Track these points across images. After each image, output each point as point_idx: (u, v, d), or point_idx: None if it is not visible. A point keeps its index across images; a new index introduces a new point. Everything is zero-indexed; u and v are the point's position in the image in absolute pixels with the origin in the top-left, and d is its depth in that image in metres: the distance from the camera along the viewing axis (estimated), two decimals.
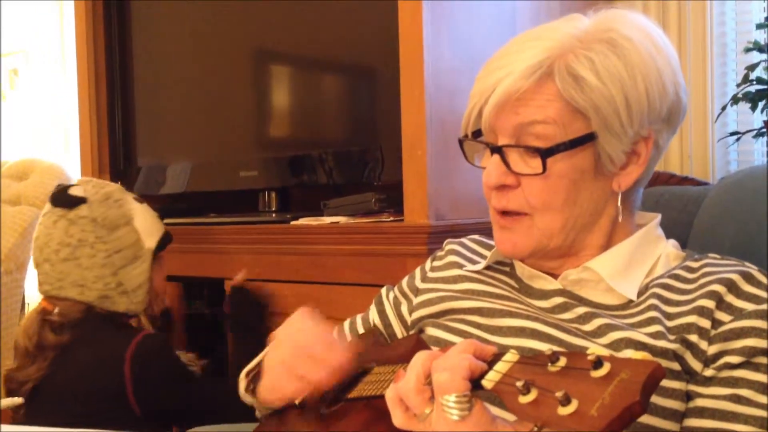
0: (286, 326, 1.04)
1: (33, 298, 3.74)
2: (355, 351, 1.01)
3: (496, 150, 1.00)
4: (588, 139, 0.97)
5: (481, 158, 1.07)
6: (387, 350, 1.07)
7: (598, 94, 0.96)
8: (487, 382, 0.74)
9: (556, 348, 0.75)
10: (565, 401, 0.64)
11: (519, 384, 0.69)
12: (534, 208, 1.01)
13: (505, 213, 1.03)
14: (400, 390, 0.80)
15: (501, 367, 0.75)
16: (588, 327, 0.97)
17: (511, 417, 0.88)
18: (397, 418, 0.81)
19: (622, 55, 0.97)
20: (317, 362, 0.98)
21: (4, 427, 0.97)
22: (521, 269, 1.08)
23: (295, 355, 1.00)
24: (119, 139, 2.61)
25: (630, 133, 0.98)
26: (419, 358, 0.80)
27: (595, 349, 0.69)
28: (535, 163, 0.98)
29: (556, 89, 0.97)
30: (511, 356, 0.75)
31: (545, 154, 0.97)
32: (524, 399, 0.68)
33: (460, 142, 1.07)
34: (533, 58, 0.97)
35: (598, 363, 0.66)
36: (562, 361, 0.69)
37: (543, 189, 0.99)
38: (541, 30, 1.02)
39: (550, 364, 0.70)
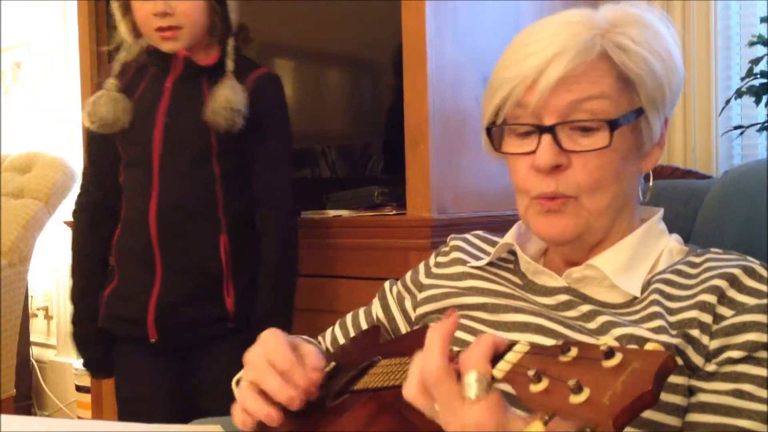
0: (252, 349, 1.01)
1: (36, 290, 3.76)
2: (321, 370, 0.99)
3: (547, 130, 0.98)
4: (641, 113, 1.00)
5: (506, 145, 1.04)
6: (393, 344, 1.07)
7: (647, 66, 0.98)
8: (498, 371, 0.74)
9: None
10: (577, 390, 0.64)
11: (530, 373, 0.68)
12: (583, 190, 0.99)
13: (551, 197, 1.01)
14: (406, 393, 0.79)
15: (512, 357, 0.74)
16: (592, 325, 0.97)
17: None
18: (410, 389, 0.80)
19: (653, 34, 1.00)
20: (283, 381, 0.96)
21: (5, 417, 0.97)
22: (526, 264, 1.08)
23: (247, 388, 0.98)
24: None
25: (666, 109, 1.02)
26: (417, 361, 0.79)
27: (606, 339, 0.69)
28: (587, 142, 0.98)
29: (608, 64, 0.98)
30: (521, 347, 0.75)
31: (613, 125, 0.97)
32: (535, 388, 0.68)
33: (488, 131, 1.05)
34: (580, 34, 0.97)
35: (609, 353, 0.66)
36: (574, 352, 0.69)
37: (599, 166, 0.98)
38: (568, 15, 1.02)
39: (561, 354, 0.70)
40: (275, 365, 0.97)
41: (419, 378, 0.78)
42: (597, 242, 1.04)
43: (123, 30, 1.80)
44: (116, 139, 1.78)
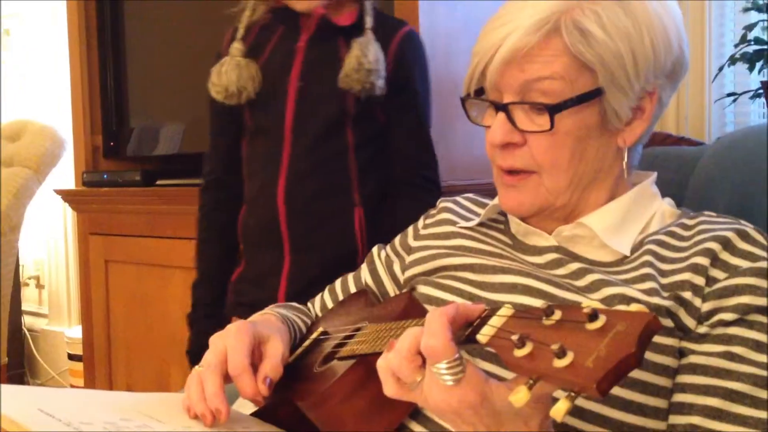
0: (221, 338, 1.00)
1: (27, 259, 3.75)
2: (275, 377, 0.98)
3: (502, 108, 0.99)
4: (595, 94, 0.97)
5: (483, 117, 1.05)
6: (379, 308, 1.07)
7: (606, 48, 0.95)
8: (482, 336, 0.74)
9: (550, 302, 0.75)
10: (561, 354, 0.64)
11: (514, 338, 0.68)
12: (541, 166, 1.00)
13: (510, 172, 1.02)
14: (390, 360, 0.79)
15: (496, 321, 0.74)
16: (581, 282, 0.97)
17: (504, 372, 0.88)
18: (389, 389, 0.80)
19: (629, 10, 0.97)
20: (219, 389, 0.95)
21: (4, 387, 0.97)
22: (516, 226, 1.08)
23: (208, 373, 0.97)
24: (111, 99, 2.59)
25: (636, 88, 0.98)
26: (411, 330, 0.79)
27: (590, 302, 0.69)
28: (542, 120, 0.97)
29: (563, 44, 0.96)
30: (505, 311, 0.75)
31: (553, 110, 0.96)
32: (519, 352, 0.68)
33: (462, 101, 1.06)
34: (540, 13, 0.96)
35: (593, 316, 0.66)
36: (557, 315, 0.69)
37: (550, 146, 0.99)
38: None
39: (545, 317, 0.70)
40: (228, 367, 0.97)
41: (393, 377, 0.80)
42: (569, 214, 1.04)
43: None
44: (243, 107, 1.63)
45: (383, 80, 1.55)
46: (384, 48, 1.57)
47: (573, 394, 0.64)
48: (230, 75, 1.60)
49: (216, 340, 1.00)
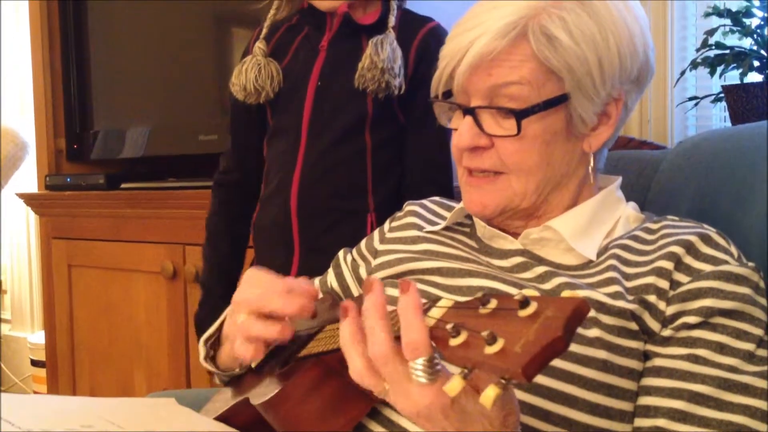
0: (240, 289, 1.02)
1: None
2: (313, 295, 0.99)
3: (469, 111, 1.00)
4: (561, 100, 0.98)
5: (451, 119, 1.06)
6: (339, 310, 1.07)
7: (572, 54, 0.96)
8: None
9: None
10: (491, 340, 0.65)
11: (449, 327, 0.69)
12: (509, 168, 1.00)
13: (477, 172, 1.03)
14: (353, 376, 0.79)
15: (435, 312, 0.75)
16: (547, 286, 0.97)
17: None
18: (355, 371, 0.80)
19: (594, 15, 0.97)
20: (271, 320, 0.97)
21: (4, 396, 0.97)
22: (482, 230, 1.08)
23: (249, 318, 0.98)
24: (75, 101, 2.56)
25: (602, 94, 0.99)
26: (352, 351, 0.79)
27: (527, 290, 0.70)
28: (509, 125, 0.98)
29: (530, 50, 0.96)
30: (445, 302, 0.76)
31: (520, 115, 0.97)
32: (454, 342, 0.69)
33: (430, 103, 1.06)
34: (507, 17, 0.96)
35: (524, 302, 0.66)
36: (493, 303, 0.70)
37: (517, 150, 0.99)
38: None
39: (481, 306, 0.70)
40: (276, 288, 0.97)
41: (365, 360, 0.78)
42: (531, 215, 1.05)
43: None
44: (265, 107, 1.62)
45: (400, 79, 1.51)
46: (407, 44, 1.55)
47: (503, 381, 0.64)
48: (249, 74, 1.58)
49: (243, 289, 1.02)
